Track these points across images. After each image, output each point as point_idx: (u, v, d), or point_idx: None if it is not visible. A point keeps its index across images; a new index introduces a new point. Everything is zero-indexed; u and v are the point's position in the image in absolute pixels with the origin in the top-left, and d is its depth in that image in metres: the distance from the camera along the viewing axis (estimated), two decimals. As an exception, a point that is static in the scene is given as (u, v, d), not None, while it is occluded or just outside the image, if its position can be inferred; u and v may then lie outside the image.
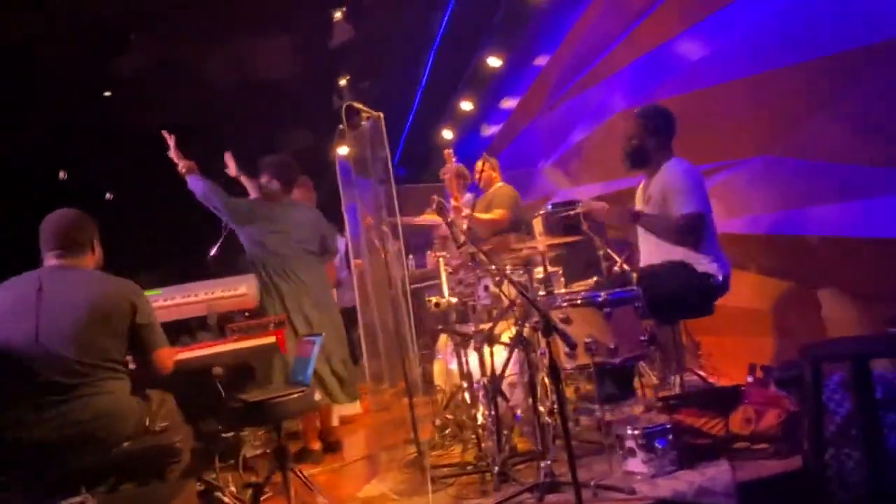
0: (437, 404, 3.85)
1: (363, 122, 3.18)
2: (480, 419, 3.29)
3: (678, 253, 3.30)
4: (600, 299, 2.90)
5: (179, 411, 2.73)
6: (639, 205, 3.64)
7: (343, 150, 5.75)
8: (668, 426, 2.77)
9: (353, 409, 4.05)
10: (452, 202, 5.23)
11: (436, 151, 7.67)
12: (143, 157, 6.94)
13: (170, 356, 2.67)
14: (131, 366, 2.63)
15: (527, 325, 2.82)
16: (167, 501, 2.46)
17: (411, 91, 7.41)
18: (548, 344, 2.44)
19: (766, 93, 3.54)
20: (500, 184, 5.27)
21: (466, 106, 6.90)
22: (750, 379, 3.45)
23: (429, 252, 5.67)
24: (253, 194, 4.18)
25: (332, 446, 3.92)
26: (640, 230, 3.55)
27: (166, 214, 6.75)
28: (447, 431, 3.59)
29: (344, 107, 3.13)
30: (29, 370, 2.39)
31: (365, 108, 3.15)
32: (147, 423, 2.53)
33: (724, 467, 2.68)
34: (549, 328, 2.35)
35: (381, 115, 3.08)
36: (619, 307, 2.91)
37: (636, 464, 2.76)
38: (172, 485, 2.45)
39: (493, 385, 2.96)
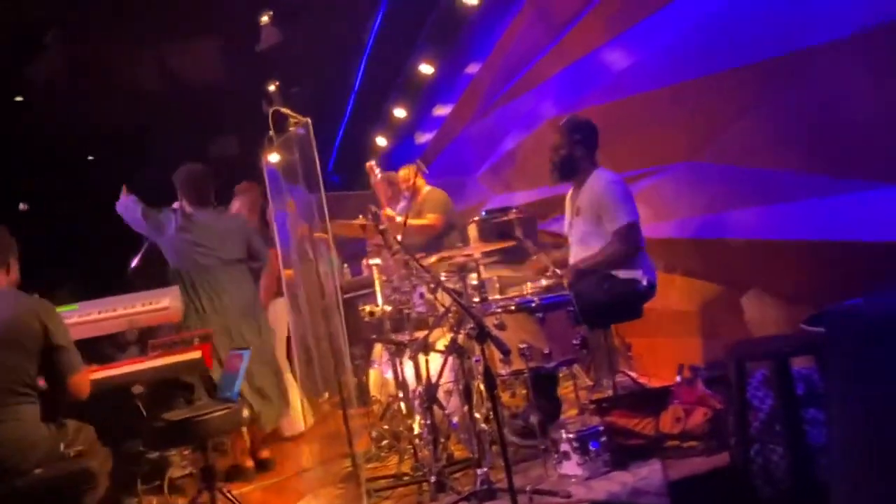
0: (374, 415, 3.78)
1: (292, 129, 3.10)
2: (417, 429, 3.25)
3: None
4: (534, 304, 2.92)
5: (97, 435, 2.58)
6: (568, 215, 3.70)
7: (273, 158, 5.62)
8: (601, 428, 2.81)
9: (296, 426, 3.95)
10: (383, 212, 5.19)
11: (370, 159, 7.63)
12: (59, 165, 6.65)
13: (85, 381, 2.52)
14: (42, 384, 2.47)
15: (461, 331, 2.80)
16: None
17: (343, 97, 7.34)
18: (482, 351, 2.43)
19: (689, 101, 3.65)
20: (428, 188, 5.26)
21: (400, 113, 6.86)
22: (679, 379, 3.53)
23: (364, 260, 5.60)
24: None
25: (263, 463, 3.80)
26: (572, 238, 3.60)
27: (84, 225, 6.46)
28: (384, 443, 3.53)
29: (271, 113, 3.04)
30: None
31: (293, 114, 3.08)
32: (62, 448, 2.38)
33: (655, 466, 2.72)
34: (483, 335, 2.34)
35: (309, 120, 3.01)
36: (552, 312, 2.93)
37: (571, 466, 2.78)
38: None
39: (429, 393, 2.93)
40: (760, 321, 3.55)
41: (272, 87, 6.15)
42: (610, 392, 3.35)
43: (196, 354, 2.89)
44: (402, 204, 5.63)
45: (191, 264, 3.61)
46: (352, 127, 7.81)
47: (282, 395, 3.80)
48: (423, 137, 7.62)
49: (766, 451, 2.50)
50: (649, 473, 2.68)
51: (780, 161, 3.22)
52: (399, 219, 5.17)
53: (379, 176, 5.32)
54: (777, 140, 3.26)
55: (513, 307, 2.96)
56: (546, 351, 2.87)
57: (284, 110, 3.04)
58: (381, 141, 7.52)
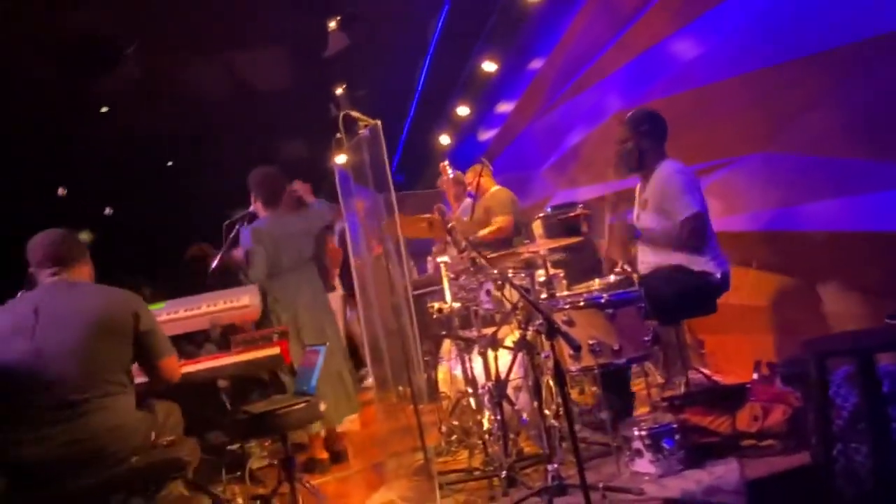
0: (443, 411, 3.84)
1: (361, 131, 3.18)
2: (486, 424, 3.29)
3: (674, 257, 3.31)
4: (603, 300, 2.90)
5: (184, 424, 2.73)
6: (636, 208, 3.66)
7: (340, 160, 5.77)
8: (675, 426, 2.77)
9: (351, 422, 4.05)
10: (452, 213, 5.25)
11: (433, 157, 7.69)
12: (139, 169, 7.00)
13: (176, 365, 2.67)
14: (138, 379, 2.63)
15: (530, 328, 2.82)
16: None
17: (407, 97, 7.44)
18: (552, 347, 2.44)
19: (759, 90, 3.56)
20: (496, 188, 5.27)
21: (463, 111, 6.91)
22: (755, 376, 3.45)
23: (429, 258, 5.68)
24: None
25: (338, 455, 3.91)
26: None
27: (165, 227, 6.77)
28: (453, 438, 3.58)
29: (341, 116, 3.12)
30: (29, 389, 2.39)
31: (362, 117, 3.15)
32: (154, 437, 2.53)
33: (732, 465, 2.67)
34: (552, 331, 2.35)
35: (379, 122, 3.08)
36: (621, 308, 2.91)
37: (644, 464, 2.75)
38: (180, 499, 2.44)
39: (498, 390, 2.96)
40: (839, 316, 3.42)
41: (339, 91, 6.29)
42: (683, 389, 3.29)
43: (275, 350, 3.01)
44: (466, 202, 5.68)
45: (269, 271, 3.73)
46: (415, 127, 7.92)
47: (353, 391, 3.90)
48: (486, 135, 7.65)
49: (850, 450, 2.42)
50: (725, 472, 2.63)
51: (855, 150, 3.11)
52: (465, 219, 5.23)
53: (451, 175, 5.37)
54: (851, 128, 3.15)
55: (581, 303, 2.95)
56: (616, 347, 2.85)
57: (354, 113, 3.11)
58: (445, 139, 7.58)
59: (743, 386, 2.95)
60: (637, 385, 3.39)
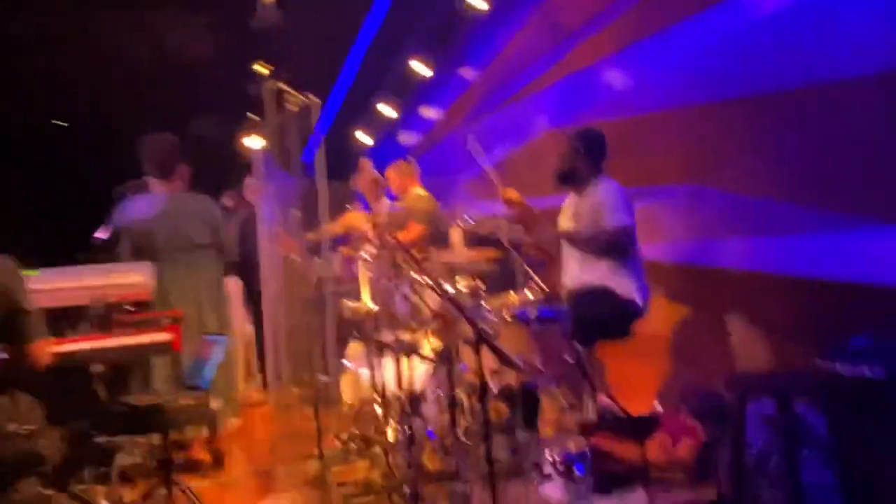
0: (343, 416, 3.61)
1: (290, 107, 2.94)
2: (391, 434, 3.10)
3: (602, 277, 3.29)
4: (531, 317, 2.80)
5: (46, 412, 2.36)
6: (564, 223, 3.62)
7: (256, 142, 5.44)
8: (587, 451, 2.70)
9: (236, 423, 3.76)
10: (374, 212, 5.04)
11: (349, 152, 7.45)
12: (32, 130, 6.32)
13: (45, 350, 2.31)
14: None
15: (453, 338, 2.68)
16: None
17: (332, 87, 7.16)
18: (478, 362, 2.30)
19: (693, 125, 3.61)
20: (417, 190, 5.10)
21: (387, 110, 6.73)
22: (657, 405, 3.47)
23: (339, 251, 5.40)
24: None
25: (220, 458, 3.60)
26: (566, 250, 3.52)
27: (53, 192, 6.16)
28: (352, 446, 3.37)
29: (274, 89, 2.86)
30: None
31: (295, 93, 2.91)
32: (11, 427, 2.16)
33: (640, 495, 2.63)
34: (484, 343, 2.22)
35: (318, 102, 2.84)
36: (547, 326, 2.83)
37: (553, 489, 2.66)
38: (37, 498, 2.09)
39: (412, 402, 2.79)
40: (745, 354, 3.50)
41: (262, 69, 5.94)
42: (592, 414, 3.24)
43: (165, 336, 2.69)
44: (385, 202, 5.48)
45: (155, 246, 3.39)
46: (336, 119, 7.65)
47: (235, 390, 3.59)
48: (409, 138, 7.50)
49: (757, 488, 2.43)
50: (634, 501, 2.58)
51: (779, 193, 3.19)
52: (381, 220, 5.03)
53: (372, 174, 5.16)
54: (778, 172, 3.24)
55: (508, 318, 2.84)
56: (539, 365, 2.76)
57: (286, 87, 2.87)
58: (365, 137, 7.37)
59: (654, 416, 2.93)
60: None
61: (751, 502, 2.42)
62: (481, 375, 2.26)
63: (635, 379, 4.21)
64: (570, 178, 3.51)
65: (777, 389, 2.32)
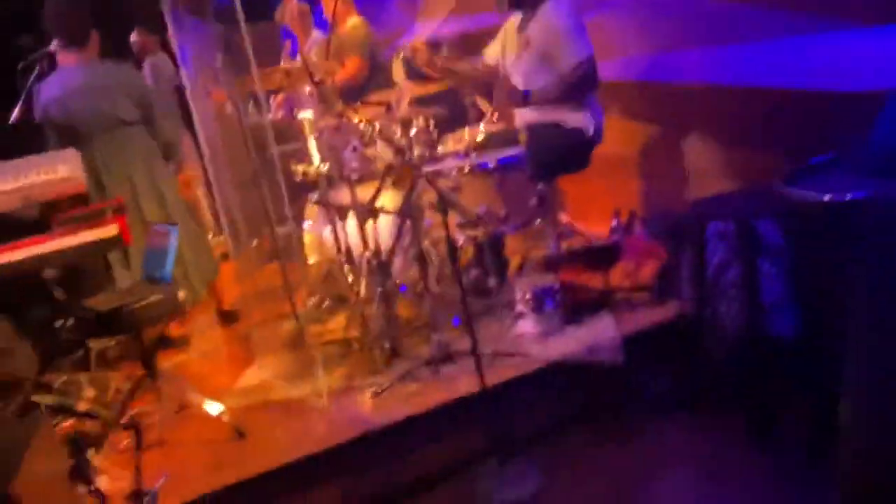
0: (312, 276, 3.60)
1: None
2: (363, 291, 3.12)
3: (552, 112, 3.16)
4: (491, 167, 2.73)
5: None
6: (511, 48, 3.40)
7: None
8: (555, 286, 2.79)
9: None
10: (301, 50, 4.65)
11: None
12: None
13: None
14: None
15: (414, 193, 2.61)
16: (21, 445, 2.10)
17: None
18: (444, 221, 2.26)
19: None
20: (353, 20, 4.69)
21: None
22: (614, 223, 3.55)
23: (272, 98, 5.07)
24: None
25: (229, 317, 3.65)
26: (514, 74, 3.34)
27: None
28: (324, 305, 3.40)
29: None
30: None
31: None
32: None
33: (607, 319, 2.77)
34: (446, 204, 2.17)
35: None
36: (509, 173, 2.77)
37: (526, 325, 2.78)
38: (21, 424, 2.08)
39: (382, 265, 2.77)
40: (701, 169, 3.53)
41: None
42: (554, 247, 3.31)
43: (111, 230, 2.53)
44: (316, 35, 5.06)
45: (78, 130, 3.09)
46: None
47: (208, 259, 3.48)
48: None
49: (716, 304, 2.57)
50: (602, 328, 2.73)
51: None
52: (315, 58, 4.66)
53: (298, 5, 4.69)
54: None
55: (467, 170, 2.75)
56: (502, 214, 2.74)
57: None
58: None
59: (615, 244, 3.01)
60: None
61: (710, 315, 2.57)
62: (448, 236, 2.23)
63: (592, 198, 4.27)
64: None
65: (736, 211, 2.38)
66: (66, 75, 3.12)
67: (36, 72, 3.17)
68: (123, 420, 2.56)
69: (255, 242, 4.66)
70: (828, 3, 2.64)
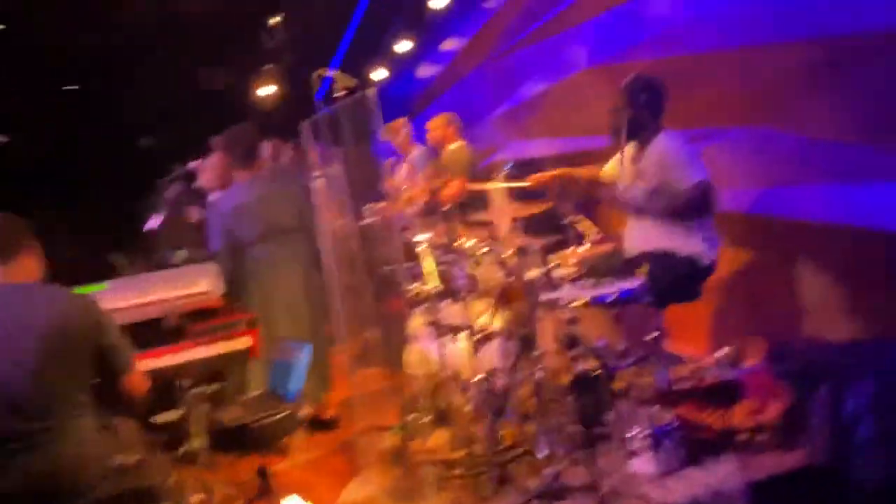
0: (415, 390, 3.60)
1: (339, 94, 2.79)
2: (467, 409, 3.10)
3: (671, 239, 3.17)
4: (610, 300, 2.71)
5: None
6: (622, 177, 3.46)
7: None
8: (675, 424, 2.71)
9: None
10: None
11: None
12: (40, 95, 6.07)
13: (141, 378, 2.29)
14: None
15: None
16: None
17: (341, 26, 6.80)
18: (567, 355, 2.26)
19: (755, 66, 3.40)
20: (455, 145, 4.90)
21: (403, 45, 6.40)
22: (720, 353, 3.44)
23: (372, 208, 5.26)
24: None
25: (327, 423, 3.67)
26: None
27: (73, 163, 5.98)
28: (427, 419, 3.39)
29: (315, 76, 2.70)
30: None
31: (346, 78, 2.74)
32: (118, 461, 2.17)
33: (731, 464, 2.65)
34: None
35: (374, 90, 2.69)
36: (629, 305, 2.76)
37: (642, 464, 2.69)
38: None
39: (491, 385, 2.77)
40: (813, 307, 3.41)
41: (273, 20, 5.64)
42: (662, 376, 3.23)
43: (245, 342, 2.65)
44: (419, 150, 5.27)
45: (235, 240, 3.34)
46: (347, 57, 7.32)
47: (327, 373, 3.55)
48: (427, 71, 7.19)
49: (851, 453, 2.44)
50: (726, 472, 2.61)
51: (853, 136, 3.03)
52: (418, 173, 4.87)
53: (406, 132, 4.93)
54: (850, 111, 3.07)
55: (586, 301, 2.75)
56: (621, 348, 2.72)
57: (337, 74, 2.70)
58: (380, 73, 7.07)
59: (738, 381, 2.92)
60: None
61: (844, 469, 2.43)
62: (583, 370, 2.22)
63: (690, 320, 4.18)
64: (627, 135, 3.28)
65: (877, 364, 2.29)
66: (240, 190, 3.41)
67: (179, 186, 3.44)
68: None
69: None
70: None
